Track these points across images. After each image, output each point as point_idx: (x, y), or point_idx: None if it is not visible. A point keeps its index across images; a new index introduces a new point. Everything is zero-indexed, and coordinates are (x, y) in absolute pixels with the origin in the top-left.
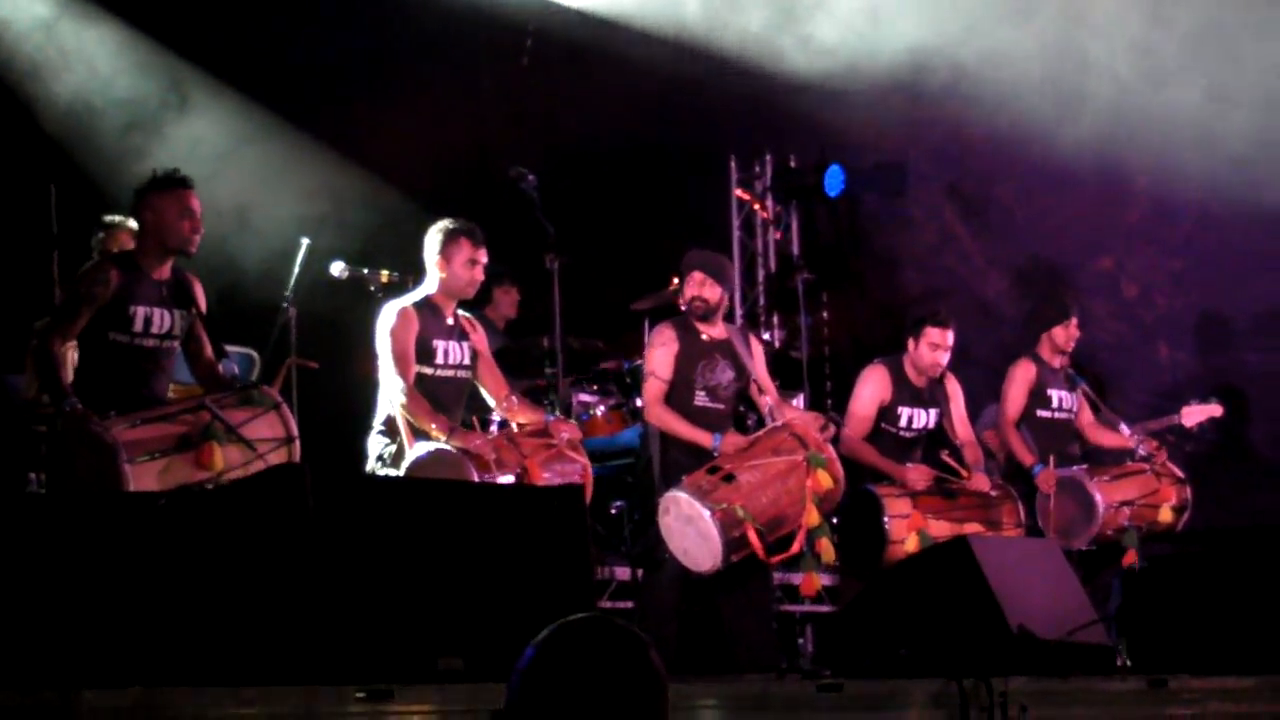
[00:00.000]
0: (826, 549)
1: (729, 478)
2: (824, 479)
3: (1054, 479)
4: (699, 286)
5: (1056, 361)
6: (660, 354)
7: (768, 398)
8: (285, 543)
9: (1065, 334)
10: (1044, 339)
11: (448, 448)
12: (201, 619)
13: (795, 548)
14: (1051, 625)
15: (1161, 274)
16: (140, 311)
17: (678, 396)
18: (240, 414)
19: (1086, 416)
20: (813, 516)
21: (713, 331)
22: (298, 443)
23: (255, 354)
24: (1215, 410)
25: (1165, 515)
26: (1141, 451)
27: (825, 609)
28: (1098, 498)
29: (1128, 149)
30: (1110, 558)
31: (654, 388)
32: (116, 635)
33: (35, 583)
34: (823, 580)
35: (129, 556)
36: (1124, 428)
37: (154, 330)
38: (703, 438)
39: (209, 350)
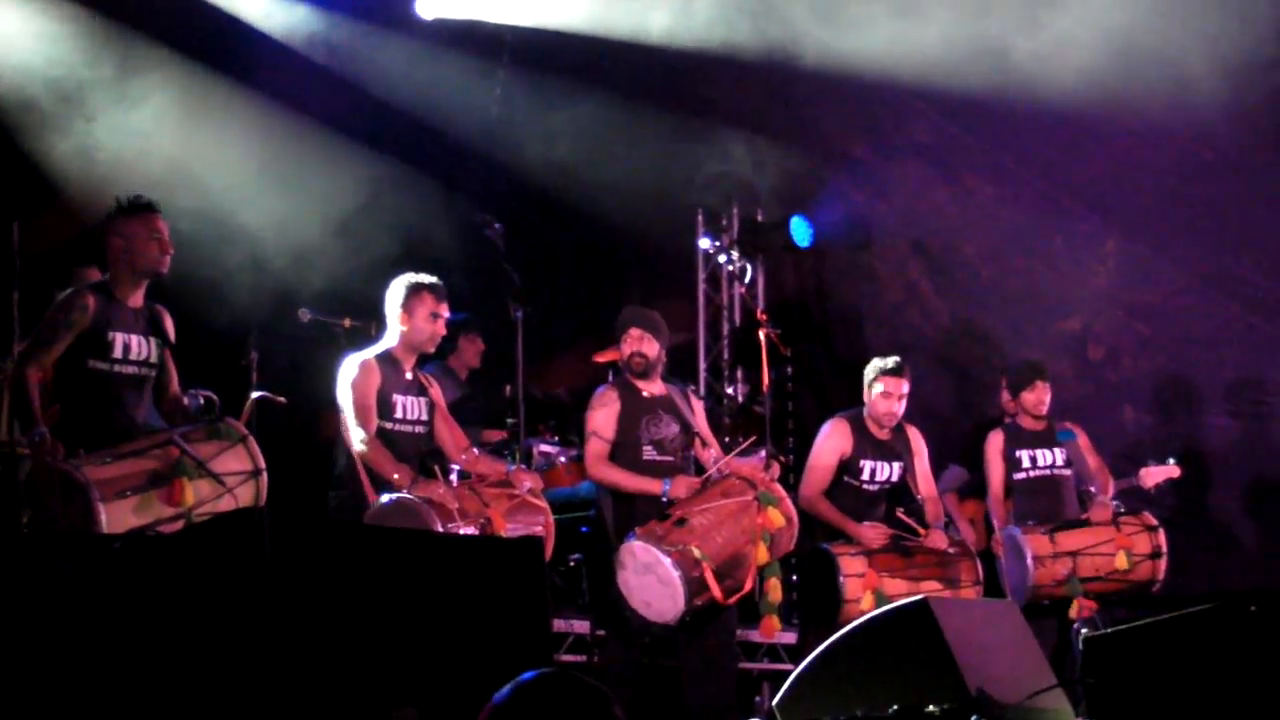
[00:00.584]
0: (774, 589)
1: (681, 522)
2: (775, 517)
3: (999, 540)
4: (637, 342)
5: (1028, 423)
6: (602, 415)
7: (711, 451)
8: (241, 589)
9: (1034, 397)
10: (1015, 404)
11: (410, 497)
12: (154, 665)
13: (748, 585)
14: (1011, 689)
15: (1129, 337)
16: (119, 338)
17: (626, 455)
18: (208, 448)
19: (1093, 463)
20: (762, 554)
21: (652, 389)
22: (265, 475)
23: (215, 397)
24: (1173, 472)
25: (1121, 561)
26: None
27: (783, 666)
28: (1027, 551)
29: (1098, 208)
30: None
31: (596, 447)
32: (65, 680)
33: None
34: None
35: (82, 600)
36: (1098, 484)
37: (133, 357)
38: (652, 485)
39: (176, 383)
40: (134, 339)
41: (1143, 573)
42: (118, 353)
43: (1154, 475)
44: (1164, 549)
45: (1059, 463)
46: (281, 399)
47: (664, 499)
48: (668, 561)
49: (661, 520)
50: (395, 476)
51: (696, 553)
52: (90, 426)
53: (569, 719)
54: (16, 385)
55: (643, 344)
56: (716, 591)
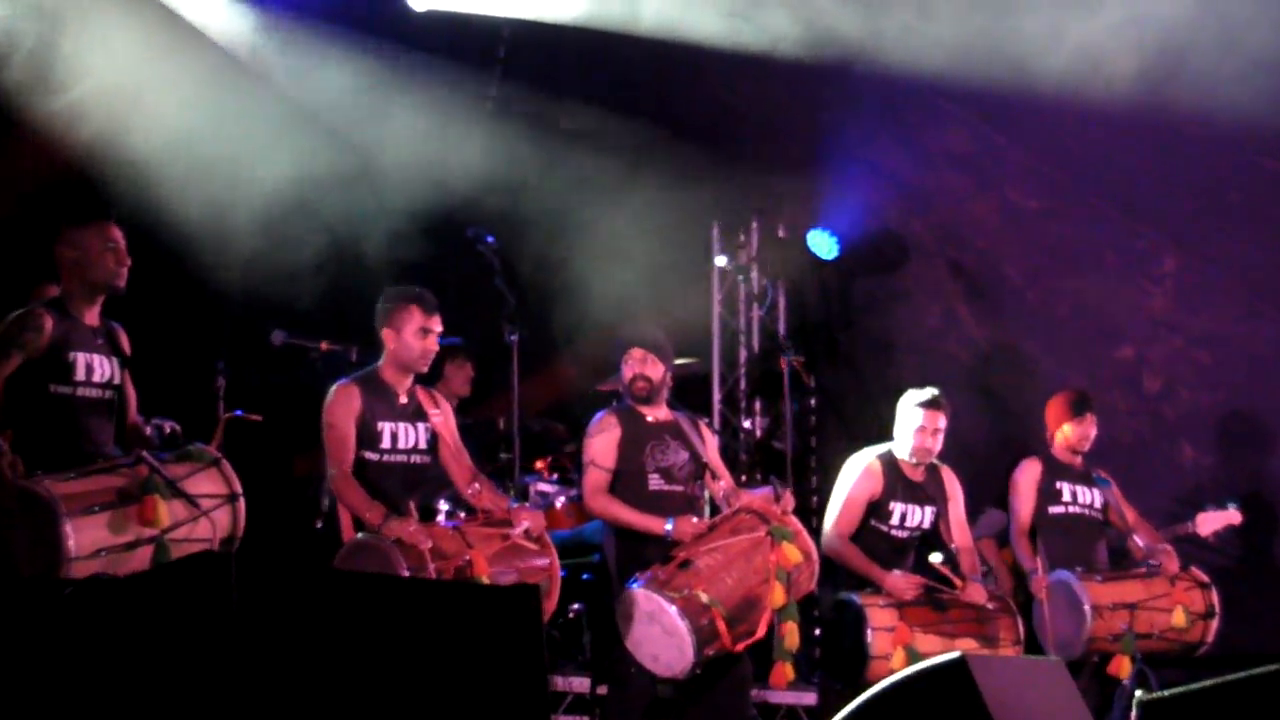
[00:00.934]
0: (791, 633)
1: (685, 564)
2: (791, 553)
3: (1044, 583)
4: (640, 364)
5: (1066, 458)
6: (600, 441)
7: (722, 483)
8: (204, 639)
9: (1081, 431)
10: (1057, 436)
11: (372, 537)
12: (113, 714)
13: (760, 631)
14: None
15: (1188, 366)
16: (80, 359)
17: (630, 484)
18: (179, 469)
19: (1131, 515)
20: (779, 595)
21: (657, 414)
22: (242, 500)
23: (178, 426)
24: (1234, 518)
25: (1179, 619)
26: (1151, 561)
27: None
28: (1085, 599)
29: (1154, 224)
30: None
31: (595, 477)
32: None
33: None
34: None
35: (32, 650)
36: (1137, 538)
37: (96, 379)
38: (654, 524)
39: (134, 407)
40: (95, 359)
41: (1195, 634)
42: (80, 374)
43: (1211, 521)
44: (1217, 609)
45: (1097, 504)
46: (257, 416)
47: (668, 538)
48: (672, 610)
49: (665, 564)
50: (367, 516)
51: (704, 598)
52: (52, 453)
53: None
54: None
55: (646, 366)
56: (726, 640)
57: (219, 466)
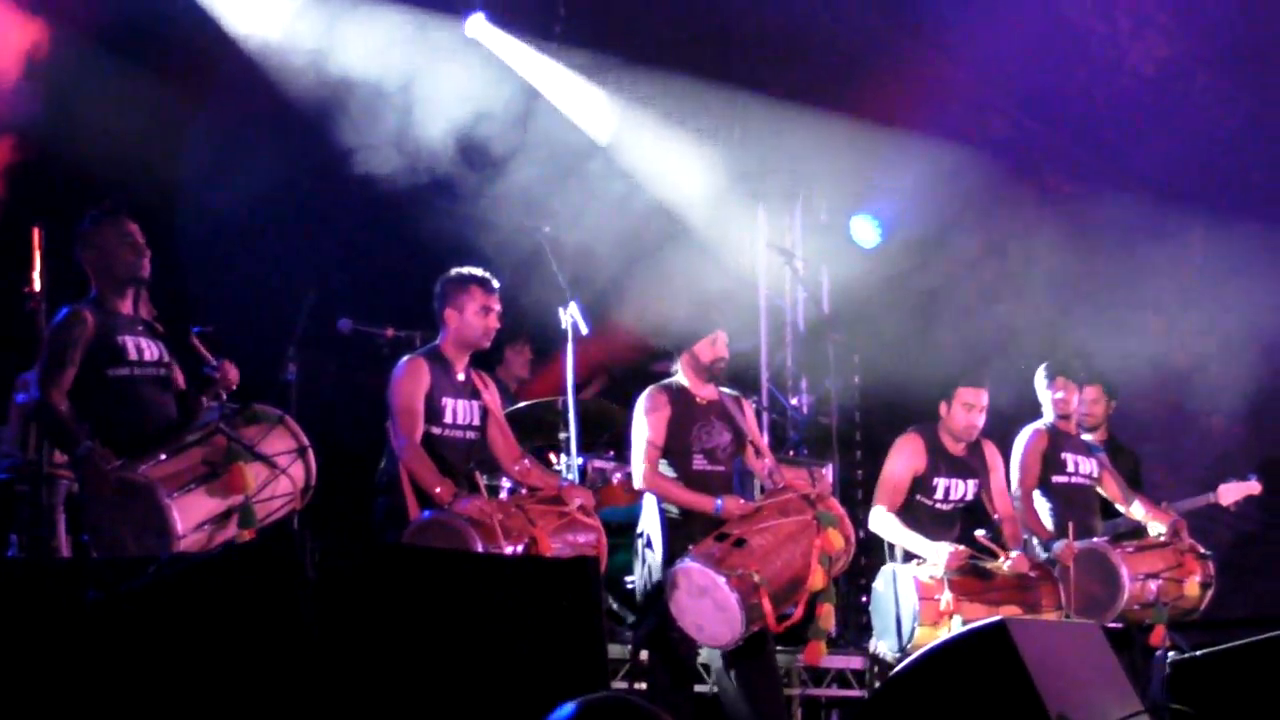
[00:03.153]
0: (827, 615)
1: (740, 542)
2: (835, 538)
3: (1074, 551)
4: (724, 347)
5: (1067, 428)
6: (653, 419)
7: (766, 461)
8: (280, 613)
9: (1087, 400)
10: (1060, 403)
11: (443, 514)
12: (189, 695)
13: (798, 614)
14: (1094, 715)
15: (1216, 340)
16: (129, 342)
17: (676, 463)
18: (251, 431)
19: (1113, 488)
20: (819, 579)
21: (706, 394)
22: (311, 452)
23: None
24: (1254, 488)
25: (1192, 589)
26: (1163, 530)
27: (852, 693)
28: (1123, 570)
29: (1185, 205)
30: (1128, 638)
31: (646, 455)
32: (99, 715)
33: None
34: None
35: (116, 626)
36: (1138, 505)
37: (147, 359)
38: (704, 503)
39: (181, 379)
40: (142, 341)
41: (1195, 601)
42: (132, 355)
43: (1232, 493)
44: (1213, 580)
45: (1094, 474)
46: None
47: (717, 515)
48: (727, 587)
49: (719, 540)
50: (437, 490)
51: (756, 578)
52: (127, 434)
53: None
54: (45, 413)
55: (725, 349)
56: (771, 619)
57: (284, 423)
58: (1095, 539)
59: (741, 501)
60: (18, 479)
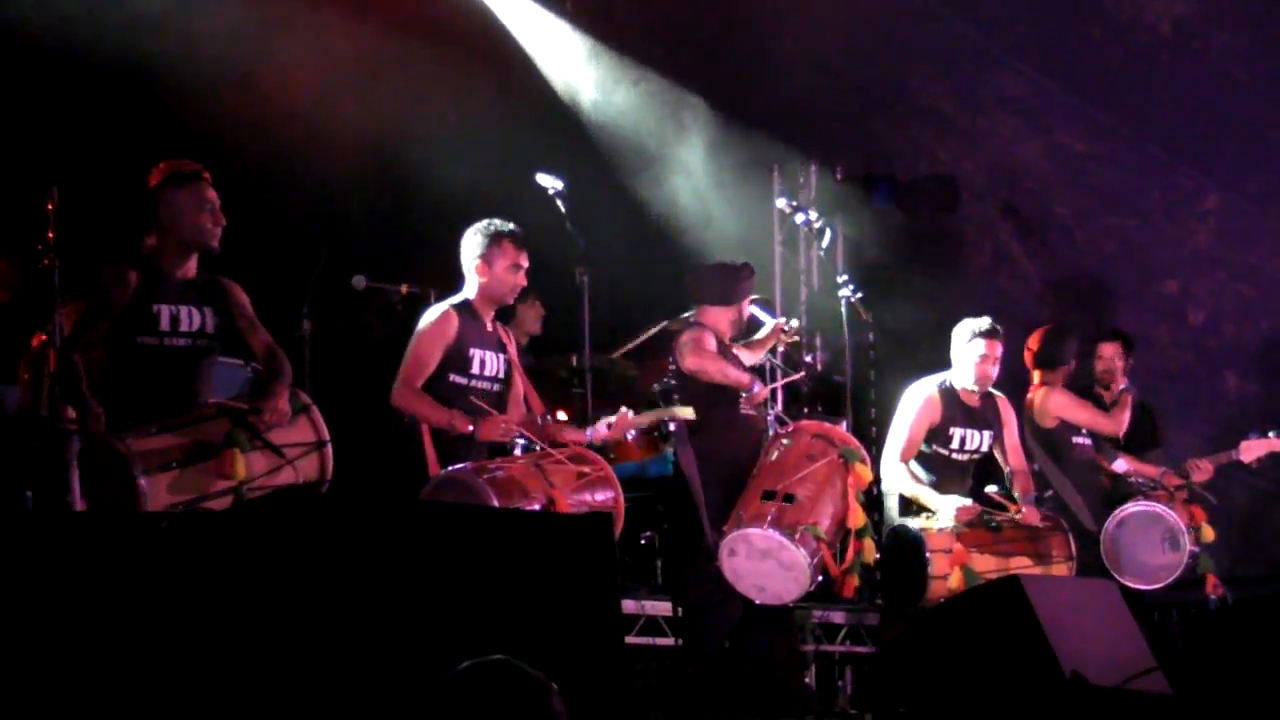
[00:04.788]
0: (869, 548)
1: (789, 498)
2: (864, 472)
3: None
4: (749, 306)
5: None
6: (708, 339)
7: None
8: (295, 569)
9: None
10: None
11: (460, 472)
12: (202, 648)
13: (851, 554)
14: (1108, 671)
15: (1231, 299)
16: (165, 310)
17: (723, 401)
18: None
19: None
20: (858, 516)
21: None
22: (329, 447)
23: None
24: (1275, 445)
25: (1207, 535)
26: (1167, 481)
27: (865, 650)
28: (1181, 529)
29: (1198, 163)
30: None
31: (703, 339)
32: (111, 670)
33: (25, 611)
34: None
35: (128, 583)
36: (1120, 462)
37: (183, 329)
38: (744, 379)
39: (260, 352)
40: (183, 310)
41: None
42: (165, 325)
43: (1254, 449)
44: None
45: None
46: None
47: (747, 397)
48: (793, 545)
49: (766, 499)
50: (451, 421)
51: (817, 530)
52: (144, 403)
53: (506, 710)
54: (63, 371)
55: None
56: (833, 566)
57: (308, 413)
58: (1143, 501)
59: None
60: (27, 433)
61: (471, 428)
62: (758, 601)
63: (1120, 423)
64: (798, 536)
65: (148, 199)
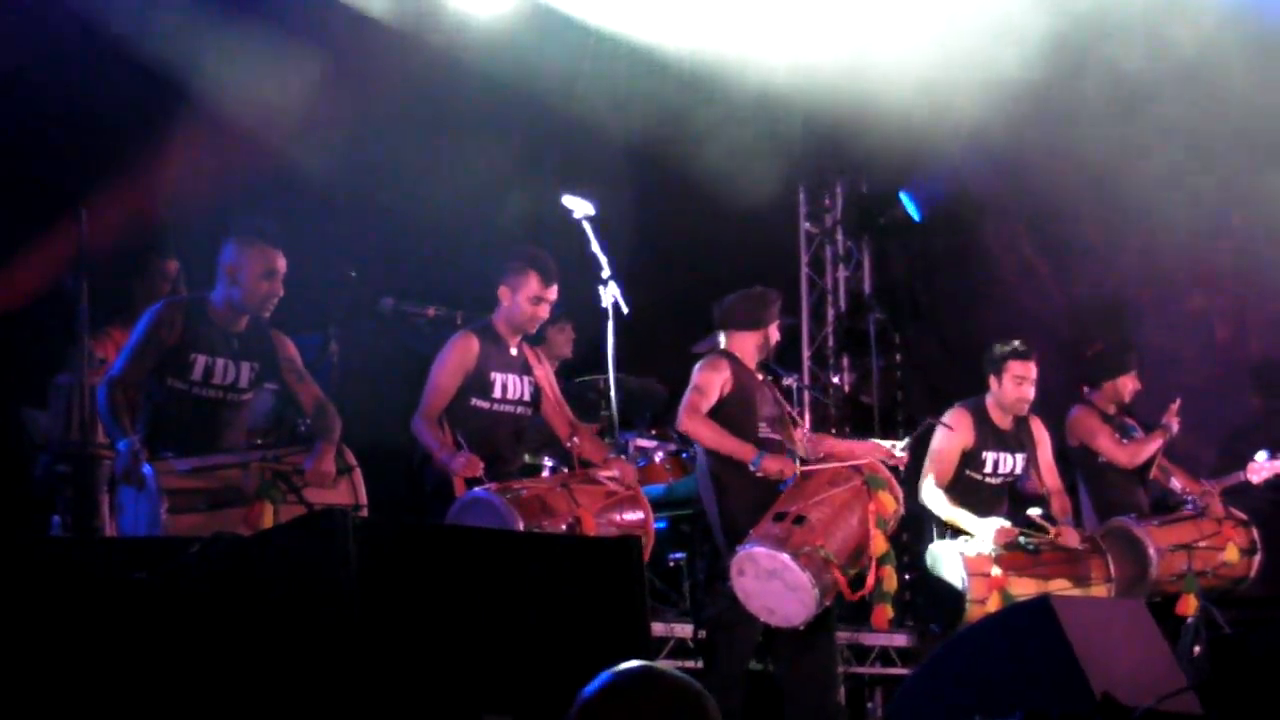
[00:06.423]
0: (890, 577)
1: (800, 519)
2: (888, 501)
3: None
4: (777, 332)
5: (1111, 410)
6: (712, 378)
7: (803, 432)
8: (324, 593)
9: (1129, 384)
10: (1105, 387)
11: (484, 492)
12: (232, 672)
13: (870, 581)
14: (1139, 692)
15: (1256, 316)
16: (202, 360)
17: (743, 427)
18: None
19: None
20: (880, 544)
21: (753, 368)
22: (365, 510)
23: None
24: None
25: (1231, 555)
26: (1193, 503)
27: (896, 671)
28: (1148, 542)
29: (1223, 179)
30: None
31: (694, 400)
32: (143, 693)
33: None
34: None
35: (157, 606)
36: (1175, 481)
37: (215, 381)
38: (744, 450)
39: (308, 405)
40: (220, 362)
41: (1242, 569)
42: (197, 374)
43: (1263, 470)
44: (1259, 545)
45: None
46: None
47: (753, 470)
48: (797, 567)
49: (778, 520)
50: (439, 453)
51: (824, 553)
52: (165, 441)
53: (659, 715)
54: (107, 405)
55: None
56: (846, 590)
57: (350, 475)
58: (1121, 517)
59: (781, 459)
60: (59, 460)
61: (443, 458)
62: (771, 624)
63: (1133, 455)
64: (802, 557)
65: (223, 244)
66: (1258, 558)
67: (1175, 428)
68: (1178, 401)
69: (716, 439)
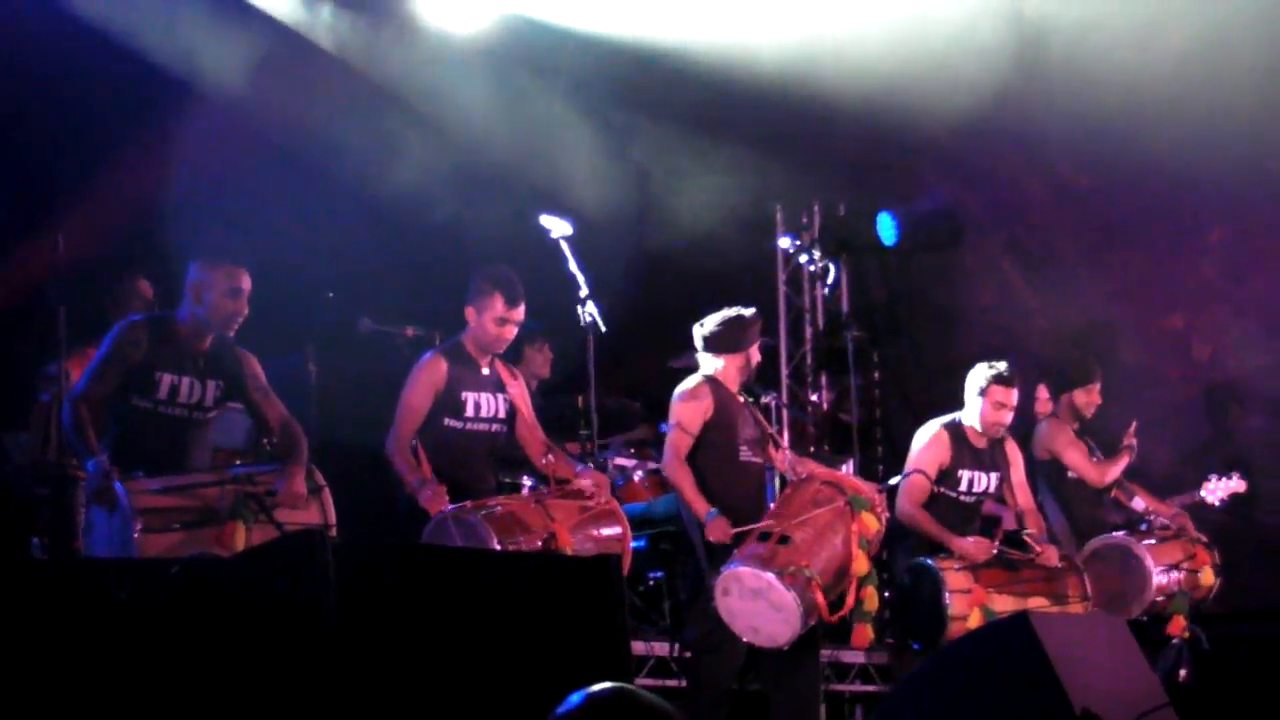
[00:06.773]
0: (871, 597)
1: (784, 539)
2: (870, 521)
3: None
4: (758, 353)
5: (1073, 426)
6: (693, 409)
7: (785, 453)
8: (302, 613)
9: (1086, 399)
10: (1064, 401)
11: (459, 511)
12: (215, 691)
13: (850, 601)
14: (1119, 708)
15: (1235, 334)
16: (166, 379)
17: (722, 453)
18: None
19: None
20: (862, 564)
21: (734, 390)
22: (334, 530)
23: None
24: (1239, 486)
25: (1207, 578)
26: (1163, 522)
27: (875, 688)
28: (1149, 562)
29: (1200, 197)
30: (1152, 630)
31: (678, 440)
32: (125, 714)
33: (33, 655)
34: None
35: (138, 627)
36: (1138, 500)
37: (181, 400)
38: (700, 507)
39: (274, 422)
40: (185, 380)
41: (1207, 590)
42: (163, 394)
43: (1218, 489)
44: (1220, 568)
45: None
46: None
47: (706, 519)
48: (782, 586)
49: (762, 540)
50: (410, 479)
51: (808, 572)
52: (131, 459)
53: None
54: (72, 422)
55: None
56: (825, 610)
57: (319, 496)
58: (1116, 534)
59: (725, 524)
60: (37, 481)
61: (415, 489)
62: (755, 644)
63: (1105, 474)
64: (787, 577)
65: (189, 265)
66: (1219, 580)
67: (1135, 448)
68: (1134, 424)
69: (687, 491)
